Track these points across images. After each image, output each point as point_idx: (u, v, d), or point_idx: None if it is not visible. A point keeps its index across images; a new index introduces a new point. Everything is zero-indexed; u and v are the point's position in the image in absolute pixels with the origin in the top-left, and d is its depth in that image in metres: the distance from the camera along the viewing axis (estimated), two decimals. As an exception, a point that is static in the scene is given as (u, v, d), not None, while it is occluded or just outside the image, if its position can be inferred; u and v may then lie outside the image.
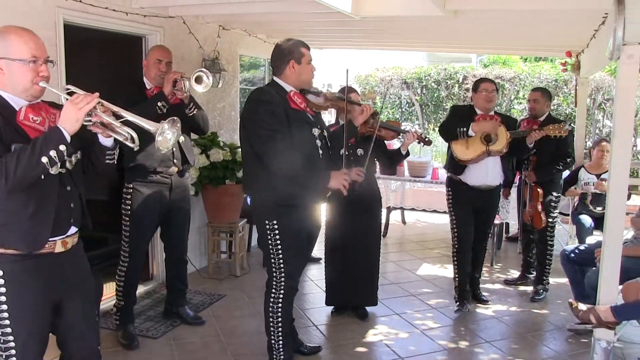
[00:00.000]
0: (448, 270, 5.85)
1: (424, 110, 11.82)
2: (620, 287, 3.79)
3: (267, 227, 3.27)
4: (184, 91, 3.94)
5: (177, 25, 5.16)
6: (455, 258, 4.75)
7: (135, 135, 2.27)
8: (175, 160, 4.03)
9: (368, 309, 4.64)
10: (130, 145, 2.28)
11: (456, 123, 4.47)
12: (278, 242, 3.27)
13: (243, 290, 5.14)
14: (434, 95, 11.63)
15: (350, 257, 4.44)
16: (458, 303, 4.69)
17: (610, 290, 3.29)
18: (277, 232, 3.25)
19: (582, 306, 3.38)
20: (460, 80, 11.41)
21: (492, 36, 6.21)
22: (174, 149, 3.95)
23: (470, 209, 4.63)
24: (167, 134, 2.25)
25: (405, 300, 5.04)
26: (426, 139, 4.37)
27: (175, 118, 2.29)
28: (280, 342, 3.43)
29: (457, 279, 4.73)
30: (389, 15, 4.57)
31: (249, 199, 5.78)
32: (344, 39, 7.04)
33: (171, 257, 4.33)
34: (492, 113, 4.54)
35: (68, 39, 4.05)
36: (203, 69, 4.06)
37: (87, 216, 2.47)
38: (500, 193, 4.90)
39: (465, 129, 4.37)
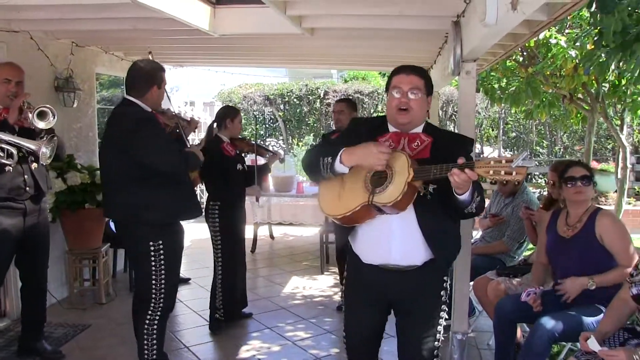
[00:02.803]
0: (317, 281, 6.00)
1: (288, 126, 12.04)
2: (472, 283, 4.13)
3: (152, 248, 3.26)
4: (29, 121, 3.62)
5: (25, 41, 4.84)
6: None
7: None
8: (27, 188, 3.74)
9: (241, 327, 4.69)
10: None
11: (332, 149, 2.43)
12: (162, 262, 3.28)
13: (110, 317, 4.90)
14: (297, 111, 11.91)
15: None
16: None
17: (462, 286, 3.58)
18: (161, 252, 3.28)
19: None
20: (322, 96, 11.78)
21: (350, 53, 6.48)
22: (25, 176, 3.69)
23: (373, 299, 2.57)
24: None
25: (276, 313, 5.08)
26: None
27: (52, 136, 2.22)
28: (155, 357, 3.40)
29: None
30: (247, 33, 4.64)
31: (113, 224, 5.62)
32: (204, 56, 7.01)
33: (29, 286, 4.00)
34: (417, 130, 2.48)
35: None
36: (48, 106, 3.69)
37: None
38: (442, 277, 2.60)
39: (330, 160, 2.35)
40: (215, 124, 4.67)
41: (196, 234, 7.66)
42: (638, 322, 2.70)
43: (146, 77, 3.29)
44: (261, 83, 12.86)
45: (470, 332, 3.86)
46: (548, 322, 3.03)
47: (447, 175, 2.11)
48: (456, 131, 3.50)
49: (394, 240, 2.42)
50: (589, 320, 3.07)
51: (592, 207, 3.33)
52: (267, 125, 12.39)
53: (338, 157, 2.33)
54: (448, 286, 2.58)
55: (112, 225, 5.57)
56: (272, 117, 12.34)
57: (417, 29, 4.21)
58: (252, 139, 6.67)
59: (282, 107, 12.02)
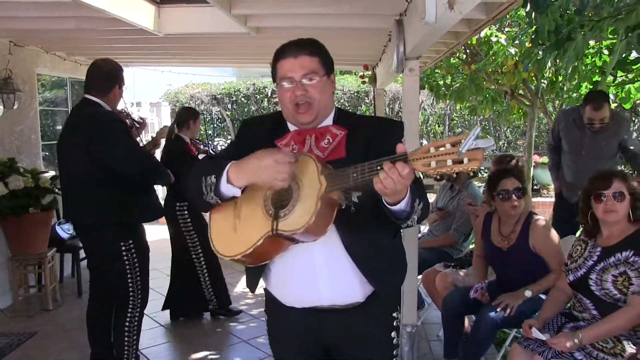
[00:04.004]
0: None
1: (235, 125, 11.99)
2: (420, 276, 4.24)
3: (124, 248, 3.28)
4: None
5: (-42, 41, 4.68)
6: None
7: None
8: None
9: (193, 328, 4.66)
10: None
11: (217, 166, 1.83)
12: (135, 260, 3.33)
13: (57, 323, 4.78)
14: (244, 110, 11.89)
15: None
16: None
17: (411, 280, 3.67)
18: (133, 251, 3.31)
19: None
20: (269, 95, 11.80)
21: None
22: None
23: (304, 348, 1.99)
24: None
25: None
26: None
27: None
28: (134, 356, 3.47)
29: None
30: (192, 33, 4.62)
31: (59, 228, 5.49)
32: (150, 56, 6.91)
33: None
34: (327, 123, 1.88)
35: None
36: None
37: None
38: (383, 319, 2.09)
39: (213, 180, 1.72)
40: (175, 125, 4.64)
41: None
42: (574, 307, 2.84)
43: (108, 77, 3.26)
44: (208, 83, 12.75)
45: (419, 324, 3.95)
46: (491, 311, 3.14)
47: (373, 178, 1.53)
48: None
49: (321, 275, 1.82)
50: (529, 307, 3.17)
51: (524, 214, 3.36)
52: (215, 125, 12.30)
53: (224, 175, 1.69)
54: (399, 324, 2.01)
55: (58, 229, 5.48)
56: (219, 116, 12.26)
57: (361, 27, 4.29)
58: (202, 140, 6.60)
59: (229, 106, 11.97)
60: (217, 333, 4.58)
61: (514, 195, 3.28)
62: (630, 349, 2.49)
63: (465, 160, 1.40)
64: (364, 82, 7.27)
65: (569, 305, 2.93)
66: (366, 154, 1.62)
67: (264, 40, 5.10)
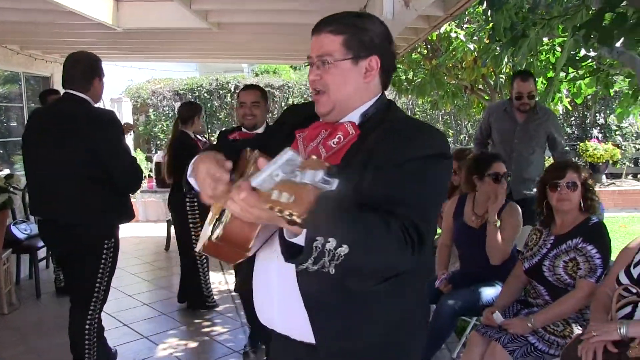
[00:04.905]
0: (232, 276, 5.99)
1: (203, 119, 11.90)
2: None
3: (105, 246, 3.26)
4: None
5: None
6: None
7: None
8: None
9: (157, 325, 4.62)
10: None
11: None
12: (111, 260, 3.31)
13: (14, 327, 4.65)
14: (207, 106, 11.77)
15: None
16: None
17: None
18: (112, 250, 3.30)
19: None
20: (232, 90, 11.72)
21: (258, 47, 6.49)
22: None
23: None
24: None
25: (194, 310, 5.03)
26: None
27: None
28: (96, 355, 3.41)
29: None
30: (152, 28, 4.56)
31: (15, 228, 5.34)
32: (109, 51, 6.79)
33: None
34: (349, 119, 1.58)
35: None
36: None
37: None
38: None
39: (188, 169, 1.68)
40: (179, 120, 4.70)
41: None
42: (529, 294, 2.96)
43: (88, 69, 3.18)
44: (170, 78, 12.58)
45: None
46: (449, 300, 3.23)
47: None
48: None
49: (275, 297, 1.52)
50: (487, 295, 3.27)
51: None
52: (178, 121, 12.17)
53: (190, 166, 1.59)
54: None
55: (14, 229, 5.33)
56: (182, 112, 12.13)
57: (314, 22, 4.29)
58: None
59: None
60: (182, 331, 4.55)
61: (504, 179, 3.40)
62: (577, 330, 2.62)
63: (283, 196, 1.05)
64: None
65: (524, 293, 3.04)
66: (365, 168, 1.36)
67: (226, 36, 5.08)
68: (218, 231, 1.35)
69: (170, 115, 11.96)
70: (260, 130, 3.63)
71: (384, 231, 1.22)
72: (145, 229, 8.62)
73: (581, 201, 2.79)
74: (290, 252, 1.22)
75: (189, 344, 4.28)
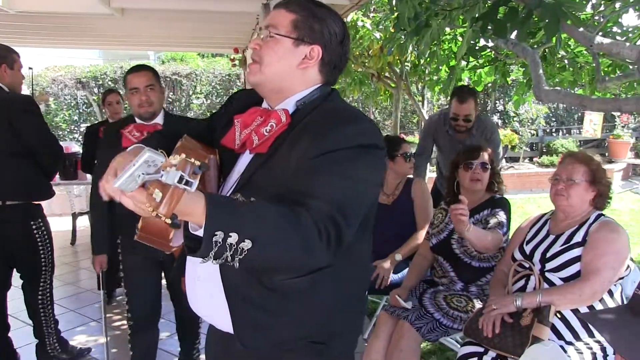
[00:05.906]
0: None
1: (103, 111, 11.45)
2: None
3: (34, 226, 3.32)
4: None
5: None
6: None
7: None
8: None
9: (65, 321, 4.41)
10: None
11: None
12: (46, 237, 3.40)
13: None
14: (113, 94, 11.37)
15: None
16: None
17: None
18: (43, 228, 3.37)
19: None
20: (138, 78, 11.38)
21: (164, 34, 6.34)
22: None
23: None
24: None
25: (92, 306, 4.88)
26: None
27: None
28: (52, 326, 3.59)
29: None
30: (48, 11, 4.36)
31: None
32: (1, 35, 6.39)
33: None
34: (284, 105, 1.49)
35: None
36: None
37: None
38: None
39: None
40: None
41: None
42: (435, 273, 3.10)
43: None
44: (72, 65, 12.00)
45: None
46: None
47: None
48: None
49: (202, 287, 1.51)
50: (394, 276, 3.40)
51: (404, 177, 3.67)
52: (80, 110, 11.62)
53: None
54: None
55: None
56: (85, 101, 11.61)
57: (230, 10, 4.27)
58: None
59: (95, 90, 11.37)
60: (91, 327, 4.42)
61: (412, 157, 3.63)
62: (478, 305, 2.79)
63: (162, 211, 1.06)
64: (234, 65, 7.25)
65: (430, 272, 3.20)
66: (289, 157, 1.34)
67: (130, 22, 4.93)
68: (139, 223, 1.36)
69: (72, 104, 11.43)
70: (159, 120, 2.91)
71: (293, 226, 1.19)
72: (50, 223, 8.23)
73: (490, 183, 2.98)
74: (193, 246, 1.20)
75: (99, 340, 4.17)
